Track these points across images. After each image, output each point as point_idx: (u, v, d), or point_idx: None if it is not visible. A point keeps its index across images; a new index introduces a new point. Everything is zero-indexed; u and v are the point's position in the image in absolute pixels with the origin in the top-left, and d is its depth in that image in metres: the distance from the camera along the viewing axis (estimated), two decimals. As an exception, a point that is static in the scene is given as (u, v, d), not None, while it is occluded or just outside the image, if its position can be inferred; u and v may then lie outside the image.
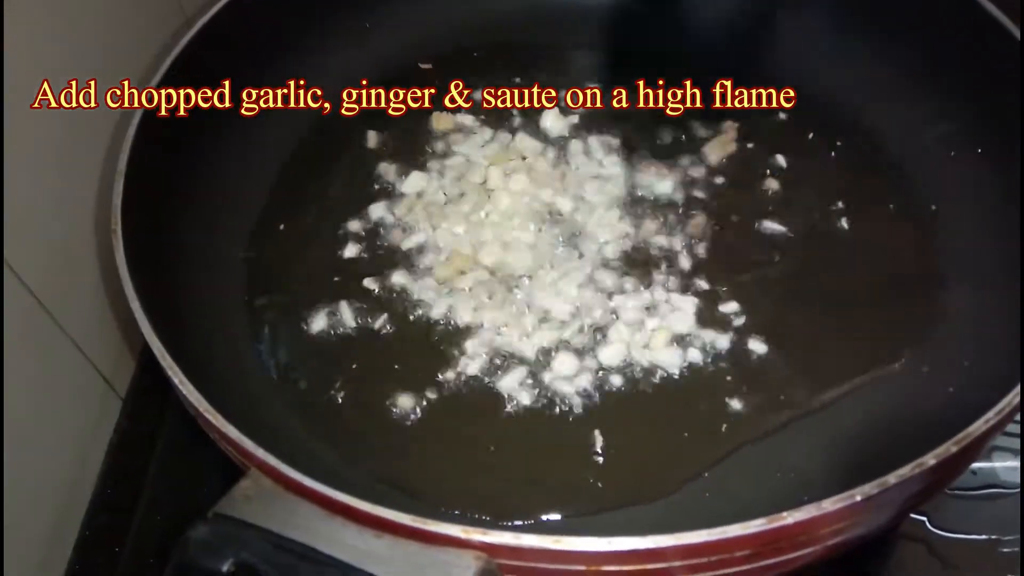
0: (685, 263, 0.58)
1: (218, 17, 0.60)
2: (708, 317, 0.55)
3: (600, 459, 0.50)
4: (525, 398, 0.52)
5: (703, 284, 0.57)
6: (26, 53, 0.49)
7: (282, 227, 0.60)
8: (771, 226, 0.59)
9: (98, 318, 0.58)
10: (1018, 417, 0.53)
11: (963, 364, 0.51)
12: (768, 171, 0.62)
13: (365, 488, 0.40)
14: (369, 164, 0.64)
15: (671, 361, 0.53)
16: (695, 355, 0.54)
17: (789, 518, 0.37)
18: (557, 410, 0.52)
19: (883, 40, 0.64)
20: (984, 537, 0.51)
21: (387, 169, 0.64)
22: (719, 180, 0.62)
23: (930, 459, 0.39)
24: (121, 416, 0.60)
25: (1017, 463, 0.53)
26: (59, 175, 0.54)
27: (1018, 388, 0.41)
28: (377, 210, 0.61)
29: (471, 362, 0.54)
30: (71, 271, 0.55)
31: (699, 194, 0.61)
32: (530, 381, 0.53)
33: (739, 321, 0.55)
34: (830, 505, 0.38)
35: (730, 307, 0.55)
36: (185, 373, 0.43)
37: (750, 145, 0.64)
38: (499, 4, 0.72)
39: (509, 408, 0.52)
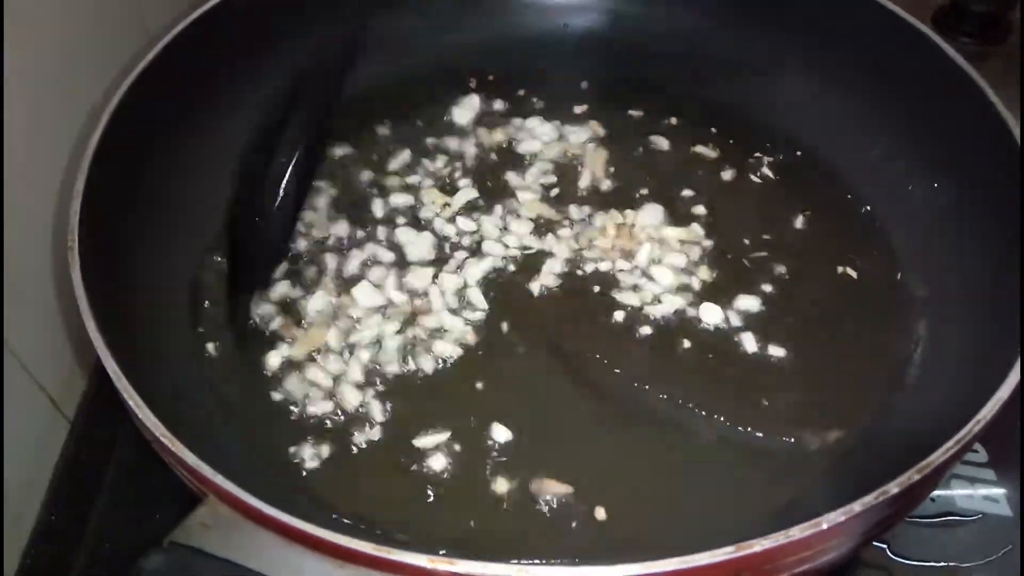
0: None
1: (183, 35, 0.59)
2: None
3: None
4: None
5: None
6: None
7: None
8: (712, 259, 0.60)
9: (47, 337, 0.57)
10: (977, 446, 0.54)
11: (923, 393, 0.52)
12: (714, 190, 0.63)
13: (327, 517, 0.39)
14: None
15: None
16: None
17: (757, 546, 0.37)
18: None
19: (840, 76, 0.66)
20: (943, 564, 0.52)
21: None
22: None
23: (893, 487, 0.40)
24: (68, 439, 0.58)
25: (973, 491, 0.54)
26: (14, 192, 0.52)
27: (977, 417, 0.42)
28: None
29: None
30: (21, 288, 0.54)
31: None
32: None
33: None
34: (797, 532, 0.38)
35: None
36: (141, 396, 0.42)
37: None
38: (475, 32, 0.72)
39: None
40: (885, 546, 0.52)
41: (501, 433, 0.51)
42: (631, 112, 0.69)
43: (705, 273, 0.59)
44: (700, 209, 0.62)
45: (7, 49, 0.50)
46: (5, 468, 0.52)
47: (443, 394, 0.53)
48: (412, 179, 0.64)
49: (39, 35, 0.54)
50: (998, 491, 0.54)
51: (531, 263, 0.59)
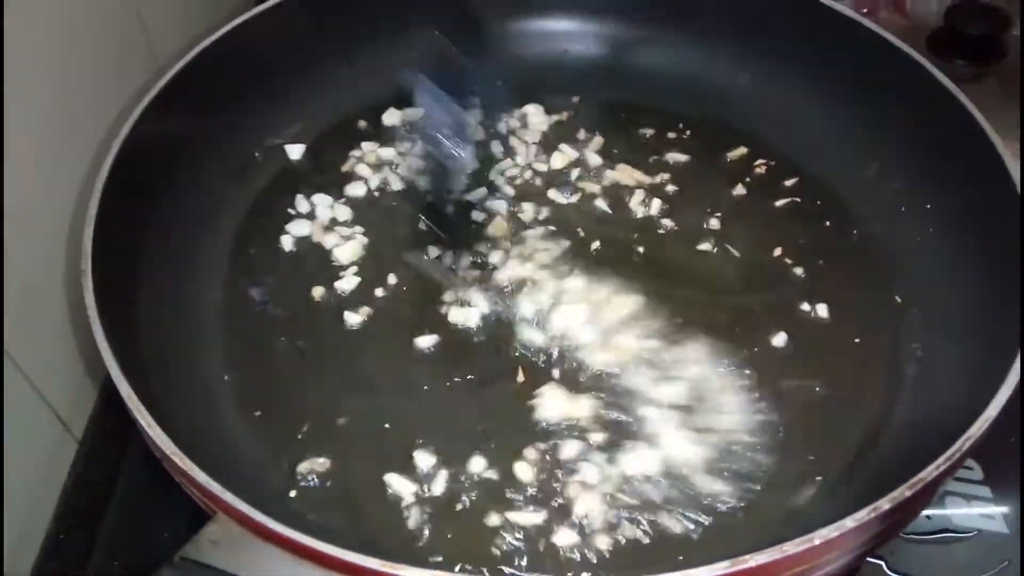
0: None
1: (192, 63, 0.61)
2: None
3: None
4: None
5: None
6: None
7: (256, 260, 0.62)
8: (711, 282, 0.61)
9: (56, 356, 0.57)
10: (970, 462, 0.55)
11: (915, 410, 0.53)
12: (715, 215, 0.64)
13: (334, 533, 0.40)
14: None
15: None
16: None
17: (751, 561, 0.38)
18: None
19: (834, 99, 0.67)
20: (939, 580, 0.52)
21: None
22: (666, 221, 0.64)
23: (885, 503, 0.41)
24: (77, 458, 0.59)
25: (969, 508, 0.55)
26: (26, 213, 0.54)
27: (967, 434, 0.43)
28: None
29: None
30: (33, 310, 0.55)
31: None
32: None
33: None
34: (791, 548, 0.39)
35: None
36: (152, 415, 0.43)
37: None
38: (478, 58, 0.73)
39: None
40: (882, 562, 0.53)
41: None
42: (639, 132, 0.70)
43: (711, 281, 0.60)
44: (705, 244, 0.63)
45: (19, 70, 0.51)
46: (14, 486, 0.53)
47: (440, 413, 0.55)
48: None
49: (47, 61, 0.55)
50: (993, 508, 0.55)
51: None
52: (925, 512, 0.53)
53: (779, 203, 0.65)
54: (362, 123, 0.71)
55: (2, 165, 0.49)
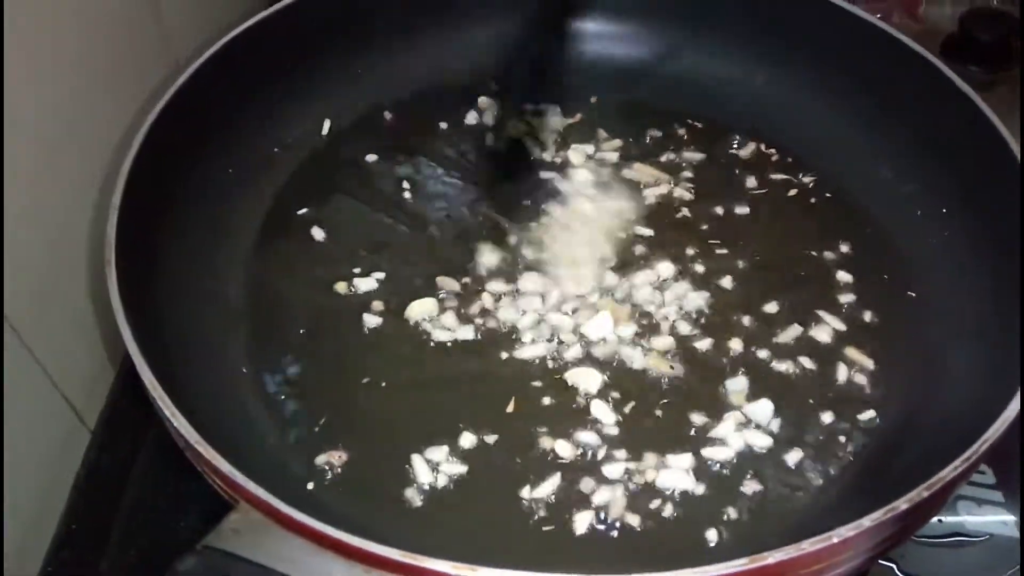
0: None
1: (213, 59, 0.61)
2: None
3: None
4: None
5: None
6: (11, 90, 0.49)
7: (275, 256, 0.62)
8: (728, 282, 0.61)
9: (73, 348, 0.58)
10: (982, 467, 0.55)
11: (931, 412, 0.53)
12: (731, 214, 0.65)
13: (354, 523, 0.40)
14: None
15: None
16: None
17: (770, 558, 0.38)
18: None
19: (849, 101, 0.68)
20: (950, 583, 0.53)
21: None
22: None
23: (902, 503, 0.41)
24: (90, 448, 0.59)
25: (981, 512, 0.55)
26: (47, 208, 0.54)
27: (984, 436, 0.43)
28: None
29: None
30: (51, 302, 0.55)
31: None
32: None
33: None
34: (809, 546, 0.39)
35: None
36: (176, 405, 0.43)
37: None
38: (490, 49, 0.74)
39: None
40: (894, 565, 0.53)
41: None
42: (655, 132, 0.70)
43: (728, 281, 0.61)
44: (721, 244, 0.63)
45: (39, 62, 0.52)
46: (26, 476, 0.53)
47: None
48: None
49: (65, 59, 0.56)
50: (1005, 512, 0.55)
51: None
52: (937, 516, 0.53)
53: (793, 203, 0.66)
54: (388, 115, 0.71)
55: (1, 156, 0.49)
